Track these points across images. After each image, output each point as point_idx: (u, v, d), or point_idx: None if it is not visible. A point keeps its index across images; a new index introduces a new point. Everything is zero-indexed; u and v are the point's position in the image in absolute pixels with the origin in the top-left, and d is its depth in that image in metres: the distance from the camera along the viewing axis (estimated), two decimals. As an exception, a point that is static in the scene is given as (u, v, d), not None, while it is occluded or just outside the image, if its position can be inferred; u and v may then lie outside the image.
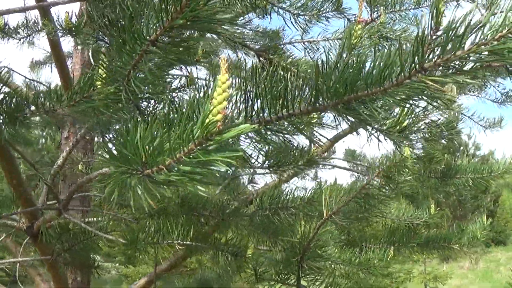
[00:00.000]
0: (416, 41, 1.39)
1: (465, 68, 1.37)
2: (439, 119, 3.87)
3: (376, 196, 3.14)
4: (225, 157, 1.21)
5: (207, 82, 1.43)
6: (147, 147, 1.30)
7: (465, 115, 5.50)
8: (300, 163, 3.25)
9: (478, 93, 5.99)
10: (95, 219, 3.55)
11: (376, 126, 2.15)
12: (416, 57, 1.42)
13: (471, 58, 1.32)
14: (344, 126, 5.07)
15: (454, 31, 1.30)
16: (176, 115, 1.43)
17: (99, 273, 3.90)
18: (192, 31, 1.86)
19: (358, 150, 5.75)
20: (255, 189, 4.38)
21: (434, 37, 1.36)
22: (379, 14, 3.94)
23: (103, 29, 3.04)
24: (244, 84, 1.87)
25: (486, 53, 1.28)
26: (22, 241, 3.81)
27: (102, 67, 2.00)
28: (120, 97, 1.98)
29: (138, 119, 1.41)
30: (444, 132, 3.85)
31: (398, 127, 2.27)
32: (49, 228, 3.35)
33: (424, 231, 4.33)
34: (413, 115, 2.34)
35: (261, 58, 3.66)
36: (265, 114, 1.90)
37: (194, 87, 1.83)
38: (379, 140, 2.23)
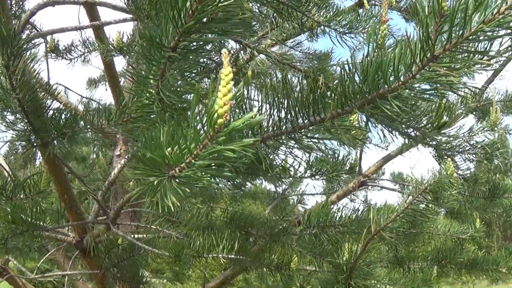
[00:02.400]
0: (423, 29, 1.39)
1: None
2: (483, 141, 3.83)
3: (422, 212, 3.10)
4: (234, 147, 1.26)
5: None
6: (169, 149, 1.36)
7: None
8: (342, 172, 3.25)
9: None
10: (144, 235, 3.61)
11: (414, 125, 2.13)
12: (424, 45, 1.42)
13: (480, 37, 1.31)
14: (391, 148, 5.09)
15: (457, 14, 1.30)
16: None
17: (147, 289, 3.94)
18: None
19: (408, 172, 5.70)
20: (304, 210, 4.38)
21: (439, 24, 1.36)
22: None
23: (138, 42, 3.15)
24: (275, 92, 1.92)
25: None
26: (71, 255, 3.89)
27: (133, 80, 2.06)
28: (153, 108, 2.04)
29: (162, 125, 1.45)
30: (488, 153, 3.80)
31: (436, 123, 2.23)
32: (98, 242, 3.42)
33: (469, 246, 4.27)
34: (451, 109, 2.29)
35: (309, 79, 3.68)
36: (299, 121, 1.93)
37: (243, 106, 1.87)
38: (417, 141, 2.23)
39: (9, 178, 3.31)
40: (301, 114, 1.93)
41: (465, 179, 4.16)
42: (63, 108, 2.87)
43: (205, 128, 1.28)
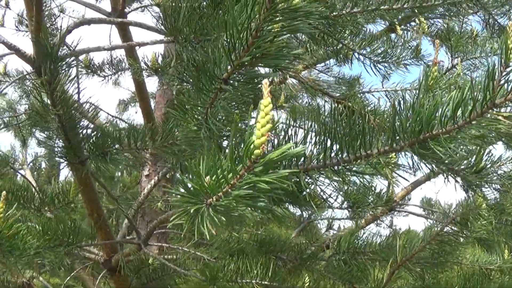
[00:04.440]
0: (487, 77, 1.40)
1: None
2: (511, 170, 3.81)
3: (450, 243, 3.09)
4: (269, 179, 1.28)
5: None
6: (208, 178, 1.36)
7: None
8: (378, 204, 3.25)
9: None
10: (174, 256, 3.60)
11: (453, 167, 2.13)
12: (487, 93, 1.42)
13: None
14: (419, 174, 5.06)
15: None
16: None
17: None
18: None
19: (434, 197, 5.69)
20: (332, 235, 4.38)
21: (504, 73, 1.36)
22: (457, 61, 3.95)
23: (188, 70, 3.15)
24: (323, 127, 1.91)
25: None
26: (98, 274, 3.89)
27: (182, 107, 2.06)
28: (200, 135, 2.05)
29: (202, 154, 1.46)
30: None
31: (475, 168, 2.24)
32: (127, 262, 3.41)
33: (498, 277, 4.22)
34: (490, 156, 2.31)
35: (339, 106, 3.68)
36: (344, 155, 1.93)
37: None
38: (456, 181, 2.22)
39: (35, 192, 3.31)
40: (348, 148, 1.93)
41: (491, 208, 4.13)
42: (102, 127, 2.88)
43: (243, 158, 1.29)
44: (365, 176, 2.03)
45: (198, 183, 1.39)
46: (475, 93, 1.47)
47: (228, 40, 1.71)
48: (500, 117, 1.44)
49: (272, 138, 1.29)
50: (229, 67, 1.79)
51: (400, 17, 3.80)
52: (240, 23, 1.65)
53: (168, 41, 2.80)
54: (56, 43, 2.49)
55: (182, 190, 1.45)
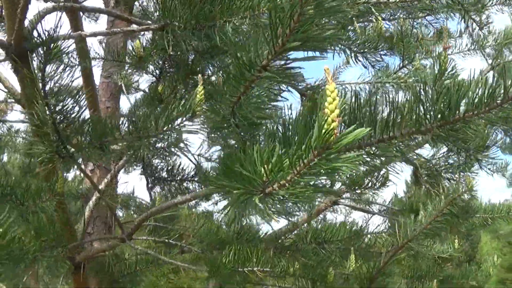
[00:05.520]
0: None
1: None
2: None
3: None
4: (348, 163, 1.26)
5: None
6: (265, 166, 1.34)
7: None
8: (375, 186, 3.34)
9: None
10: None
11: (467, 146, 2.23)
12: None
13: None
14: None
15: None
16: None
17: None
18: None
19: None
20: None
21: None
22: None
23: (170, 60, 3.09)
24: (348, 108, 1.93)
25: None
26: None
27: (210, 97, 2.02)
28: (225, 125, 2.01)
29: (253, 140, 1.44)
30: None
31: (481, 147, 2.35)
32: (91, 260, 3.30)
33: (449, 265, 4.45)
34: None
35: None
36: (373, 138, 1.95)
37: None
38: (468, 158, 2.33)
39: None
40: (375, 132, 1.96)
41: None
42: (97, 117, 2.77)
43: (313, 143, 1.26)
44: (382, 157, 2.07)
45: (256, 172, 1.36)
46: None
47: (271, 25, 1.68)
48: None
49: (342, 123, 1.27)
50: (269, 53, 1.75)
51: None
52: (282, 9, 1.63)
53: (156, 28, 2.72)
54: (51, 28, 2.38)
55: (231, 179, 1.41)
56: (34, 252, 2.33)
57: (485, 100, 1.76)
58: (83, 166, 4.70)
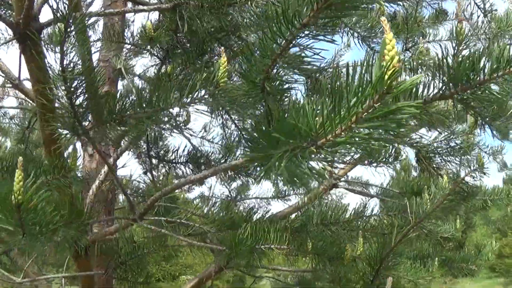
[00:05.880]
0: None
1: None
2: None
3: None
4: (409, 106, 1.26)
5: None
6: (317, 118, 1.34)
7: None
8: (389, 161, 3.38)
9: None
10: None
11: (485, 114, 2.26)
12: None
13: None
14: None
15: None
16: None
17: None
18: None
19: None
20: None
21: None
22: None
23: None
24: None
25: None
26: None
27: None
28: (255, 92, 2.00)
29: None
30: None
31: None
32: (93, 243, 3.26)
33: (451, 245, 4.50)
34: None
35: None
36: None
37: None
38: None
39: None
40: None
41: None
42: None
43: (373, 88, 1.25)
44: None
45: (306, 124, 1.36)
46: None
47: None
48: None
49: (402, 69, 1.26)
50: (311, 10, 1.75)
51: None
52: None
53: (167, 8, 2.72)
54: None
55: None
56: (56, 222, 2.29)
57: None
58: (81, 151, 4.69)
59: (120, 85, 4.75)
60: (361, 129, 1.29)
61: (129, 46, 3.70)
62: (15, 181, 1.94)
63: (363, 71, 1.34)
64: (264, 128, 1.48)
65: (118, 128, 2.44)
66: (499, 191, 4.52)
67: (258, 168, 1.56)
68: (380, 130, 1.29)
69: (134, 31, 3.52)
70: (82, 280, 3.49)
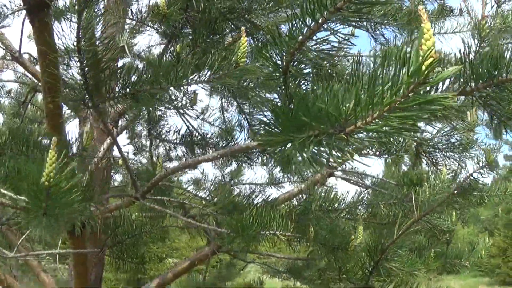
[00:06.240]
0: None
1: None
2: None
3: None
4: (444, 97, 1.24)
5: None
6: (347, 105, 1.32)
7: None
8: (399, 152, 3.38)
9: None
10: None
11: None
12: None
13: None
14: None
15: None
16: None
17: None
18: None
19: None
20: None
21: None
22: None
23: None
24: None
25: None
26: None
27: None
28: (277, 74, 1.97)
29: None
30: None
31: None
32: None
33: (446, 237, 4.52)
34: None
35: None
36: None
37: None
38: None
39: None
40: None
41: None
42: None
43: (410, 77, 1.23)
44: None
45: (335, 107, 1.34)
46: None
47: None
48: None
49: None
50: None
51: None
52: None
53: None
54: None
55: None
56: (78, 203, 2.23)
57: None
58: (79, 127, 4.64)
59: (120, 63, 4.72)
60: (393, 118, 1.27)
61: (132, 24, 3.65)
62: (48, 162, 1.86)
63: (398, 60, 1.33)
64: (285, 111, 1.46)
65: (130, 102, 2.40)
66: (496, 188, 4.52)
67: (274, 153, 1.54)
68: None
69: (142, 9, 3.45)
70: (75, 258, 3.46)
